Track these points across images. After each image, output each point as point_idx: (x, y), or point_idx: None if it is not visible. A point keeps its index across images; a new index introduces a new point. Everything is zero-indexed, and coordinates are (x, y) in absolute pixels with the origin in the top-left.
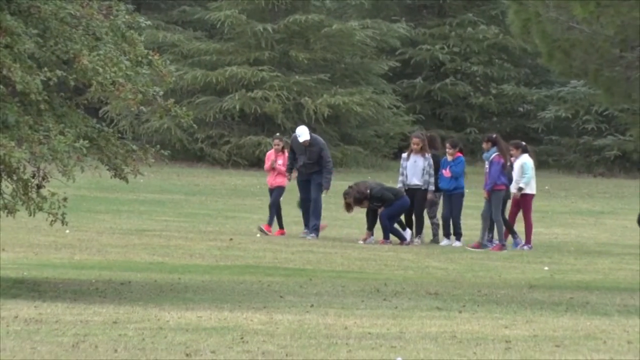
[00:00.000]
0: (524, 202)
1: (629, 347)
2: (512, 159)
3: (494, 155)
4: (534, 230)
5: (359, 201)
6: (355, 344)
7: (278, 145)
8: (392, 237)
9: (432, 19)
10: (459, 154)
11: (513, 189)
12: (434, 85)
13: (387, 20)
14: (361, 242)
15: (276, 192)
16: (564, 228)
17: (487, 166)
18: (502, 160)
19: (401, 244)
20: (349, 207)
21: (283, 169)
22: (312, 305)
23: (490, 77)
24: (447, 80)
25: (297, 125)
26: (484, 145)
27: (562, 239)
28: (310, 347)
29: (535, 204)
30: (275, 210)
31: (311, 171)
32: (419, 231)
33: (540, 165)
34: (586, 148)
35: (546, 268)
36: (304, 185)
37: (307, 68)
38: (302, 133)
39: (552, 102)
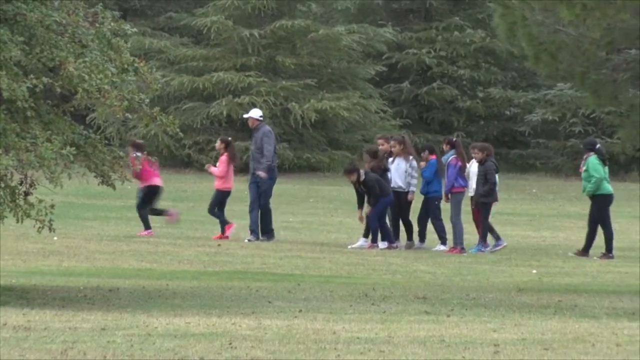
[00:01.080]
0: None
1: (618, 350)
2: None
3: (451, 157)
4: (522, 233)
5: (350, 172)
6: (343, 349)
7: (220, 147)
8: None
9: (418, 23)
10: (433, 157)
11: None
12: (421, 90)
13: (374, 25)
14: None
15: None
16: (552, 231)
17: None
18: (459, 163)
19: (389, 248)
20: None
21: (215, 170)
22: (300, 311)
23: (477, 80)
24: (434, 84)
25: (284, 130)
26: (444, 147)
27: (550, 242)
28: (299, 352)
29: (523, 207)
30: (215, 213)
31: (256, 166)
32: (409, 236)
33: (527, 168)
34: (573, 151)
35: (534, 271)
36: (253, 187)
37: (293, 73)
38: (250, 111)
39: (539, 105)
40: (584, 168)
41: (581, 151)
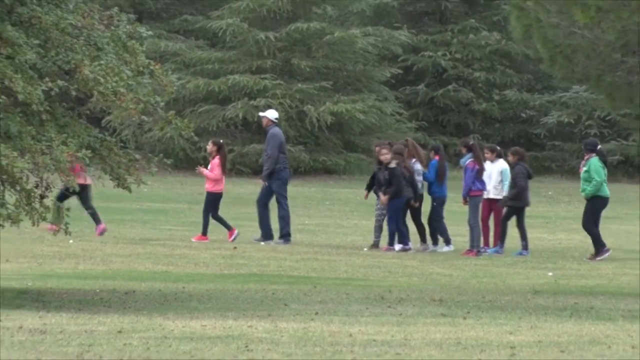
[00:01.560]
0: (496, 207)
1: (634, 352)
2: (487, 162)
3: (468, 161)
4: (538, 235)
5: (384, 150)
6: (360, 351)
7: (212, 149)
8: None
9: (433, 26)
10: (436, 158)
11: (492, 194)
12: (437, 92)
13: (389, 27)
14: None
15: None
16: (567, 233)
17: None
18: (476, 167)
19: (404, 250)
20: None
21: (209, 174)
22: (316, 313)
23: (493, 83)
24: (450, 87)
25: (300, 133)
26: (462, 150)
27: (566, 245)
28: (315, 355)
29: (538, 210)
30: (207, 218)
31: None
32: (422, 238)
33: (543, 170)
34: None
35: (550, 274)
36: (264, 190)
37: (309, 76)
38: (267, 111)
39: (555, 108)
40: (585, 169)
41: None
